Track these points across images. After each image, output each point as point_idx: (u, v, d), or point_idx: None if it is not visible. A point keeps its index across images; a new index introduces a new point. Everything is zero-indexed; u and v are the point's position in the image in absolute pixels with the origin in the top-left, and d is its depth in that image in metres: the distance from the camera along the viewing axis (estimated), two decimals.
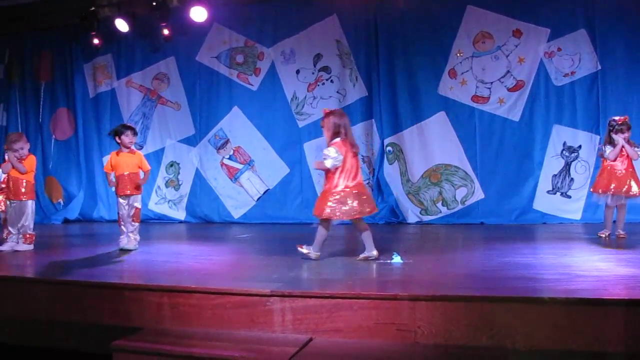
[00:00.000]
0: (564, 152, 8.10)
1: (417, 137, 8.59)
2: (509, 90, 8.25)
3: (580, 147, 8.03)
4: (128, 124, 6.58)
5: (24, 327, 4.03)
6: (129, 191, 5.88)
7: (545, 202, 8.14)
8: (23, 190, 5.88)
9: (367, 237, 4.86)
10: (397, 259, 4.69)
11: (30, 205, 5.94)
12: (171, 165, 9.78)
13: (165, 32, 9.28)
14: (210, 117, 9.57)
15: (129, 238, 5.89)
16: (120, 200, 5.90)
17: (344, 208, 4.72)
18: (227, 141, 9.46)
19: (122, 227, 5.91)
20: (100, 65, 10.12)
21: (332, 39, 8.96)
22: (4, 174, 6.05)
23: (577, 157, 8.05)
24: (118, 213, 5.98)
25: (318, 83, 9.07)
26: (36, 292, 4.07)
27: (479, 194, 8.37)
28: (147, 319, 3.70)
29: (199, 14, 8.90)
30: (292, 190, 9.19)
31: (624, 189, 5.93)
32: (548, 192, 8.16)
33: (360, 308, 3.31)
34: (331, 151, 4.69)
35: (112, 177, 5.93)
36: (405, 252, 5.14)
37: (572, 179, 8.07)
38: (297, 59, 9.14)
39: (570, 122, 8.06)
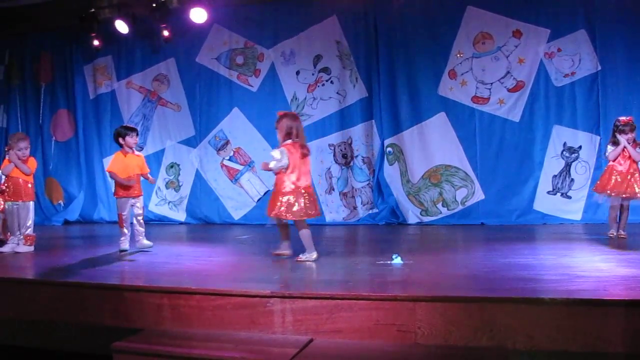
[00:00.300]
0: (564, 152, 8.10)
1: (417, 137, 8.59)
2: (509, 90, 8.25)
3: (580, 147, 8.03)
4: (130, 125, 6.55)
5: (25, 328, 4.03)
6: (136, 192, 5.88)
7: (545, 202, 8.14)
8: (22, 191, 5.88)
9: (307, 237, 4.95)
10: (397, 260, 4.69)
11: (30, 206, 5.94)
12: (171, 167, 9.79)
13: (165, 33, 9.28)
14: (210, 118, 9.57)
15: (140, 240, 5.84)
16: (131, 200, 5.84)
17: (293, 209, 4.83)
18: (227, 142, 9.47)
19: (125, 228, 5.85)
20: (101, 67, 10.13)
21: (332, 39, 8.96)
22: (4, 175, 6.04)
23: (577, 158, 8.05)
24: (121, 214, 5.87)
25: (318, 84, 9.08)
26: (37, 294, 4.07)
27: (479, 195, 8.37)
28: (148, 320, 3.70)
29: (198, 15, 8.90)
30: None
31: (624, 189, 5.92)
32: (548, 192, 8.16)
33: (360, 309, 3.31)
34: (276, 153, 4.86)
35: (120, 179, 5.82)
36: (405, 252, 5.14)
37: (572, 179, 8.07)
38: (297, 60, 9.15)
39: (571, 122, 8.06)
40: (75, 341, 3.89)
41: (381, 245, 6.38)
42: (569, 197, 8.08)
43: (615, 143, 6.04)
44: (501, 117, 8.29)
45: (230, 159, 9.48)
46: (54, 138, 10.44)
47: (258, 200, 9.32)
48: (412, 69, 8.60)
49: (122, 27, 9.33)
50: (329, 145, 9.03)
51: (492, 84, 8.31)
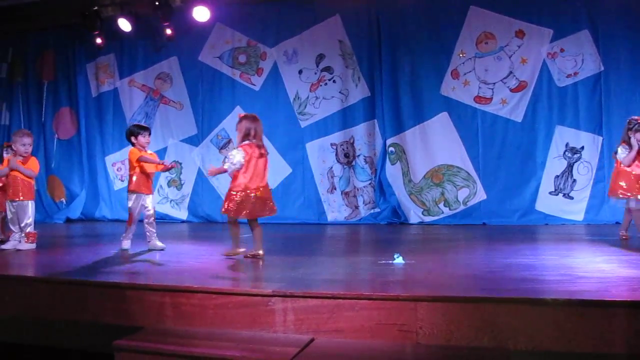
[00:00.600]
0: (566, 153, 8.09)
1: (419, 137, 8.59)
2: (512, 91, 8.24)
3: (582, 148, 8.02)
4: (143, 124, 6.40)
5: (26, 326, 4.03)
6: (147, 189, 5.80)
7: (547, 203, 8.13)
8: (21, 190, 5.87)
9: (258, 236, 5.08)
10: (399, 260, 4.69)
11: (30, 205, 5.92)
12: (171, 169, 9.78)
13: (168, 31, 9.29)
14: (212, 117, 9.58)
15: (152, 240, 5.76)
16: (143, 197, 5.75)
17: (243, 207, 4.92)
18: (230, 141, 9.47)
19: (133, 225, 5.75)
20: (103, 65, 10.14)
21: (334, 39, 8.97)
22: (2, 176, 6.02)
23: (579, 158, 8.04)
24: (133, 213, 5.73)
25: (320, 83, 9.08)
26: (38, 292, 4.07)
27: (481, 195, 8.36)
28: (149, 319, 3.70)
29: (201, 14, 8.91)
30: (294, 190, 9.19)
31: (636, 192, 5.70)
32: (550, 193, 8.15)
33: (361, 308, 3.31)
34: (233, 154, 4.95)
35: (151, 159, 5.72)
36: (407, 252, 5.13)
37: (574, 180, 8.06)
38: (299, 59, 9.15)
39: (573, 123, 8.05)
40: (76, 339, 3.89)
41: (383, 245, 6.38)
42: (571, 198, 8.07)
43: (627, 144, 5.75)
44: (503, 117, 8.28)
45: None
46: (56, 136, 10.46)
47: None
48: (415, 68, 8.60)
49: (124, 25, 9.35)
50: (331, 144, 9.03)
51: (494, 84, 8.30)
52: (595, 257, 4.88)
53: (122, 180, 10.06)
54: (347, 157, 8.99)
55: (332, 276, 4.28)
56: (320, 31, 9.05)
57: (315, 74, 9.10)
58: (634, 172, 5.74)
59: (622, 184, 5.81)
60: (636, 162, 5.74)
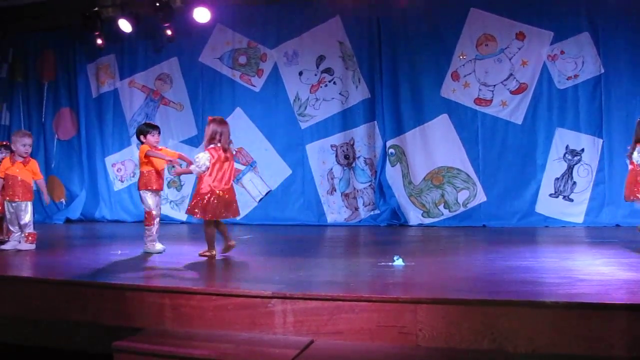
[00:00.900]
0: (566, 155, 8.09)
1: (419, 139, 8.59)
2: (512, 93, 8.24)
3: (583, 150, 8.02)
4: (152, 123, 6.31)
5: (25, 326, 4.03)
6: (159, 187, 5.73)
7: (547, 205, 8.12)
8: (20, 190, 5.86)
9: (225, 231, 5.32)
10: (398, 262, 4.68)
11: (26, 206, 5.90)
12: (173, 166, 9.75)
13: (169, 32, 9.29)
14: None
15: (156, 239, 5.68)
16: (155, 192, 5.67)
17: (207, 209, 5.05)
18: (230, 142, 9.43)
19: (153, 226, 5.57)
20: (103, 66, 10.14)
21: (335, 40, 8.97)
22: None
23: (579, 161, 8.03)
24: (152, 211, 5.59)
25: (321, 85, 9.08)
26: (37, 292, 4.07)
27: (481, 197, 8.36)
28: (148, 320, 3.70)
29: (202, 15, 8.91)
30: (294, 192, 9.20)
31: None
32: (550, 195, 8.14)
33: (361, 310, 3.31)
34: (199, 157, 5.07)
35: (161, 154, 5.65)
36: (406, 254, 5.13)
37: (574, 182, 8.06)
38: (299, 61, 9.15)
39: (573, 125, 8.04)
40: (76, 340, 3.89)
41: (382, 247, 6.37)
42: (571, 200, 8.06)
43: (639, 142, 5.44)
44: (504, 120, 8.28)
45: None
46: (56, 136, 10.46)
47: (260, 200, 9.32)
48: (415, 70, 8.59)
49: (125, 26, 9.34)
50: (331, 146, 9.03)
51: (494, 86, 8.30)
52: (595, 259, 4.88)
53: (122, 181, 10.08)
54: (347, 158, 8.99)
55: (331, 278, 4.28)
56: (320, 32, 9.04)
57: (316, 75, 9.10)
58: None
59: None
60: None
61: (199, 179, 5.16)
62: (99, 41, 9.65)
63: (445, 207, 8.51)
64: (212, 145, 5.14)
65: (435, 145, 8.51)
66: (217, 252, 5.28)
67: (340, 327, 3.32)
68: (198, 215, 5.13)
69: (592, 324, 3.01)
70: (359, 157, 8.96)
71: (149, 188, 5.61)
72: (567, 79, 8.04)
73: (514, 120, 8.24)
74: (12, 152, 6.02)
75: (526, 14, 8.15)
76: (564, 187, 8.10)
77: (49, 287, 4.07)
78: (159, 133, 5.84)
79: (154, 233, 5.61)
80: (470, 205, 8.40)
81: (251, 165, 9.39)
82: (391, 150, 8.72)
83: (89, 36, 9.68)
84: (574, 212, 8.02)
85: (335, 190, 9.04)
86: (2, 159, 6.09)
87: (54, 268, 4.87)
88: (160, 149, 5.88)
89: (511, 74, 8.23)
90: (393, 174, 8.71)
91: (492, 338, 3.09)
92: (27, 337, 4.04)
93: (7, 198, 5.87)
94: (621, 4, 7.69)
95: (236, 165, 9.38)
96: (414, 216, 8.53)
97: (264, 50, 9.33)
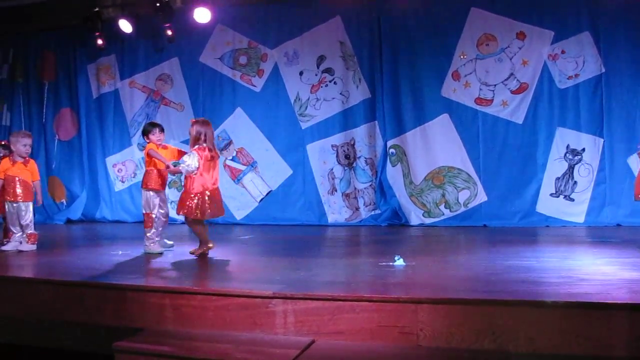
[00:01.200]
0: (567, 155, 8.08)
1: (420, 139, 8.58)
2: (513, 92, 8.24)
3: (583, 150, 8.01)
4: (154, 121, 6.35)
5: (26, 327, 4.03)
6: (160, 187, 5.73)
7: (548, 204, 8.12)
8: (21, 191, 5.87)
9: (202, 234, 5.41)
10: (399, 262, 4.68)
11: (30, 206, 5.91)
12: (173, 166, 9.77)
13: (169, 33, 9.28)
14: (213, 118, 9.43)
15: (161, 238, 5.70)
16: (159, 194, 5.69)
17: (198, 208, 5.15)
18: (230, 142, 9.47)
19: (153, 228, 5.61)
20: (104, 66, 10.14)
21: (335, 40, 8.96)
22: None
23: (580, 160, 8.03)
24: (151, 214, 5.62)
25: (321, 84, 9.07)
26: (38, 293, 4.07)
27: (482, 197, 8.35)
28: (149, 320, 3.70)
29: (202, 15, 8.91)
30: (294, 192, 9.19)
31: None
32: (551, 194, 8.14)
33: (362, 310, 3.31)
34: (187, 158, 5.16)
35: (160, 156, 5.62)
36: (407, 254, 5.13)
37: (575, 182, 8.05)
38: (300, 61, 9.15)
39: (574, 124, 8.03)
40: (76, 340, 3.89)
41: (383, 247, 6.37)
42: (572, 200, 8.06)
43: None
44: (504, 119, 8.27)
45: (233, 159, 9.48)
46: (57, 137, 10.46)
47: (260, 200, 9.32)
48: (416, 70, 8.59)
49: (125, 26, 9.35)
50: (332, 146, 9.03)
51: (495, 85, 8.30)
52: (596, 259, 4.88)
53: (123, 182, 10.08)
54: (348, 158, 8.99)
55: (332, 278, 4.29)
56: (321, 32, 9.04)
57: (316, 75, 9.09)
58: None
59: None
60: None
61: (188, 179, 5.22)
62: (100, 41, 9.64)
63: (446, 207, 8.51)
64: (197, 146, 5.22)
65: (436, 145, 8.51)
66: (213, 244, 5.38)
67: (341, 327, 3.32)
68: (192, 216, 5.18)
69: (593, 324, 3.01)
70: (359, 157, 8.95)
71: (150, 187, 5.65)
72: (568, 79, 8.04)
73: (514, 120, 8.23)
74: (10, 151, 6.01)
75: (527, 13, 8.14)
76: (565, 186, 8.09)
77: (50, 288, 4.07)
78: (162, 131, 5.85)
79: (154, 236, 5.63)
80: (471, 205, 8.40)
81: (252, 165, 9.39)
82: (392, 150, 8.72)
83: (89, 36, 9.68)
84: (575, 211, 8.01)
85: (336, 190, 9.04)
86: (1, 158, 6.09)
87: (55, 268, 4.88)
88: (166, 147, 5.93)
89: (512, 74, 8.22)
90: (394, 174, 8.71)
91: (492, 338, 3.09)
92: (28, 337, 4.05)
93: (8, 199, 5.87)
94: (622, 4, 7.68)
95: (237, 166, 9.51)
96: (415, 216, 8.52)
97: (265, 50, 9.33)
